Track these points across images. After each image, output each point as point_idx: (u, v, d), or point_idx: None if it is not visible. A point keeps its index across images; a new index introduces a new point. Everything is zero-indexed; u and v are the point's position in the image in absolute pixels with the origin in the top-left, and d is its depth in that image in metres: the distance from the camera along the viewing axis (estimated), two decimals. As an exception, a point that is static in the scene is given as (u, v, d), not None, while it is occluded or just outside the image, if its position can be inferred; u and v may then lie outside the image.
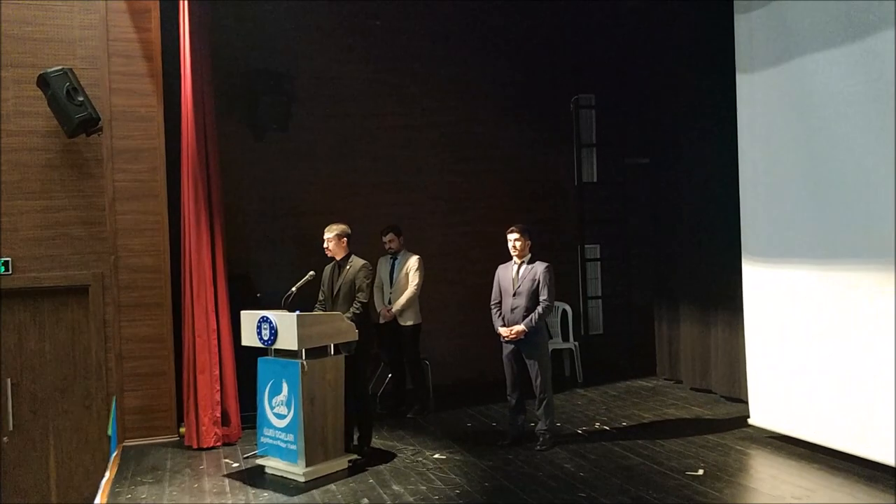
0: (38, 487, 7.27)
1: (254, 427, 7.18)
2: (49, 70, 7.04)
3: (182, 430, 7.43)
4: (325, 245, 6.80)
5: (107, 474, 6.45)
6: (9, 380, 7.22)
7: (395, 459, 6.68)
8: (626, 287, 10.38)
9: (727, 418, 7.55)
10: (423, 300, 8.23)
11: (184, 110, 7.32)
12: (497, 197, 9.92)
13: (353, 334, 6.48)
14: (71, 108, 7.03)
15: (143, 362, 7.45)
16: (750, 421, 7.03)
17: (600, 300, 10.51)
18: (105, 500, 5.84)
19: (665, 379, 9.44)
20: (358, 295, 6.65)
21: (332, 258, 6.86)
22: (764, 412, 6.85)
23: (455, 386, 9.12)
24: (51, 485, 7.32)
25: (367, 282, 6.75)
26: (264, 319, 6.27)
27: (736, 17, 6.98)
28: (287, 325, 6.12)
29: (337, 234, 6.76)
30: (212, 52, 7.64)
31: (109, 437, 7.12)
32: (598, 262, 10.50)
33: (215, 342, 7.28)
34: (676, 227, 9.08)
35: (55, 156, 7.33)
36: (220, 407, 7.28)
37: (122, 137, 7.47)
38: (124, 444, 7.33)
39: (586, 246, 10.42)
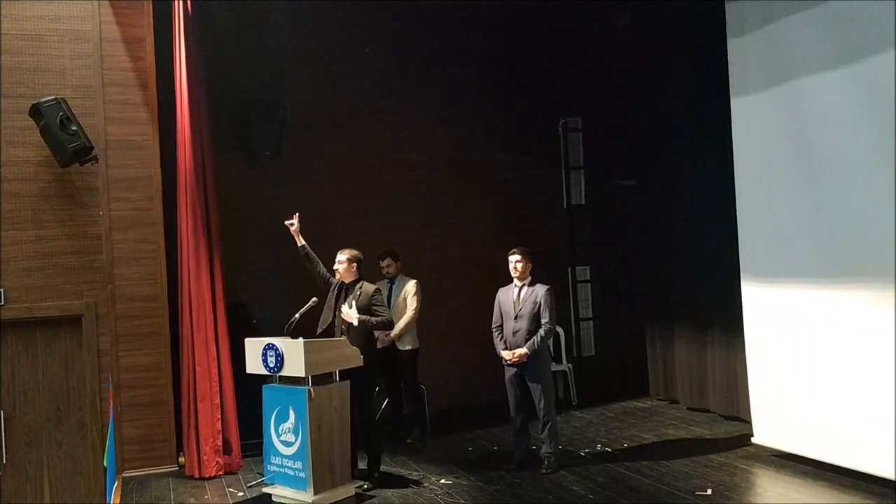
0: (34, 520, 7.13)
1: (253, 455, 7.13)
2: (42, 100, 7.01)
3: (182, 459, 7.35)
4: (335, 266, 6.86)
5: (110, 507, 6.34)
6: (1, 412, 7.09)
7: (401, 485, 6.64)
8: (617, 308, 10.43)
9: (728, 437, 7.58)
10: (416, 324, 8.20)
11: (180, 138, 7.29)
12: (487, 220, 9.97)
13: (357, 360, 6.46)
14: (64, 138, 6.99)
15: (142, 392, 7.39)
16: (753, 439, 7.05)
17: (592, 322, 10.55)
18: (113, 534, 5.74)
19: (659, 399, 9.47)
20: (381, 310, 6.68)
21: (340, 281, 6.88)
22: (767, 430, 6.89)
23: (451, 410, 9.08)
24: (46, 517, 7.19)
25: (383, 303, 6.82)
26: (270, 347, 6.23)
27: (729, 40, 7.06)
28: (294, 352, 6.09)
29: (348, 258, 6.83)
30: (206, 80, 7.64)
31: (105, 468, 7.00)
32: (589, 284, 10.55)
33: (216, 370, 7.22)
34: (668, 248, 9.12)
35: (47, 185, 7.28)
36: (220, 435, 7.20)
37: (118, 166, 7.45)
38: (123, 474, 7.22)
39: (577, 268, 10.47)
